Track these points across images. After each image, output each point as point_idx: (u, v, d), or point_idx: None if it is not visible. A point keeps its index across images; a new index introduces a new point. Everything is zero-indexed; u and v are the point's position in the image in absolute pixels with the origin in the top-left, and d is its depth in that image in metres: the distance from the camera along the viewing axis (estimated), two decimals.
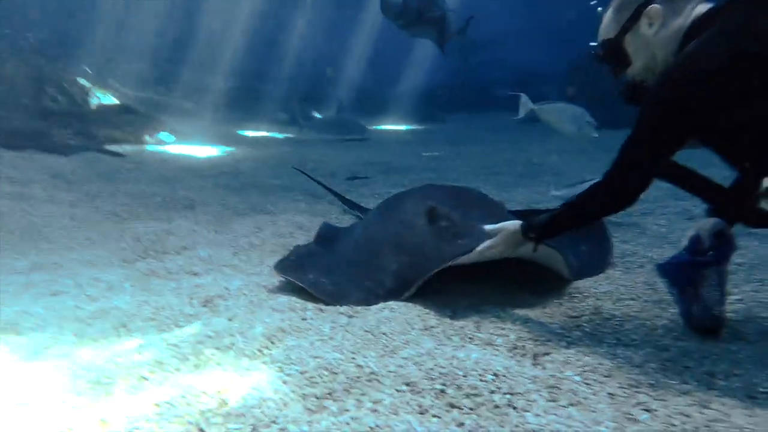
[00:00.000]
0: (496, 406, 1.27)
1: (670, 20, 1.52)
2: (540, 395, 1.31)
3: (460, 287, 2.16)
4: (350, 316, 1.97)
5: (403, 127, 14.58)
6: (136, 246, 2.93)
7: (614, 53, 1.63)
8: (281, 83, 16.15)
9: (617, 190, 1.57)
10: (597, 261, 2.36)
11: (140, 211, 3.93)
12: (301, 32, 18.94)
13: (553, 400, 1.30)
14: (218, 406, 1.29)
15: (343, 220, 3.73)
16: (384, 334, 1.78)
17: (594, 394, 1.33)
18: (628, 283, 2.17)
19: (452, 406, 1.29)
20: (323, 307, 2.06)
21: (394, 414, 1.26)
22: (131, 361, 1.55)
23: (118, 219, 3.65)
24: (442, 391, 1.36)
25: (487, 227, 1.87)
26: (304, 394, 1.36)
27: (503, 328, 1.74)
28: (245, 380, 1.42)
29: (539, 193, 4.72)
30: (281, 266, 2.23)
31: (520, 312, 1.88)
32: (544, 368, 1.50)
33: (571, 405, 1.27)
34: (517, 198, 4.48)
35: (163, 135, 8.43)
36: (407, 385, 1.40)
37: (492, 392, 1.32)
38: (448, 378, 1.40)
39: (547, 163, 6.52)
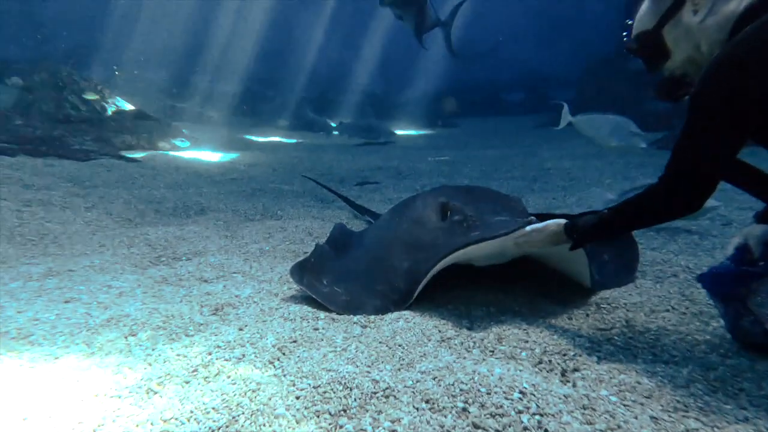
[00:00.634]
0: (525, 429, 1.17)
1: (719, 5, 1.39)
2: (573, 417, 1.21)
3: (476, 296, 2.07)
4: (364, 326, 1.90)
5: (413, 132, 14.54)
6: (149, 252, 2.91)
7: (652, 46, 1.50)
8: (292, 90, 16.30)
9: (680, 195, 1.39)
10: (623, 272, 2.22)
11: (153, 216, 3.94)
12: (314, 40, 19.12)
13: (589, 423, 1.20)
14: (228, 423, 1.23)
15: (354, 225, 3.67)
16: (400, 345, 1.70)
17: (635, 418, 1.22)
18: (661, 294, 2.03)
19: (476, 426, 1.20)
20: (335, 316, 1.99)
21: None
22: (140, 373, 1.50)
23: (131, 225, 3.65)
24: (465, 409, 1.27)
25: (529, 227, 1.75)
26: (317, 411, 1.29)
27: (526, 341, 1.63)
28: (256, 395, 1.36)
29: (555, 198, 4.60)
30: (296, 274, 2.16)
31: (544, 323, 1.76)
32: (575, 386, 1.40)
33: (610, 429, 1.17)
34: (531, 203, 4.36)
35: (178, 141, 8.53)
36: (426, 402, 1.31)
37: (519, 412, 1.23)
38: (470, 395, 1.31)
39: (561, 168, 6.37)
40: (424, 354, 1.63)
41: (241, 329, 1.86)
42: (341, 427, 1.23)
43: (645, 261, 2.42)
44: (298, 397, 1.35)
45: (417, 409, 1.29)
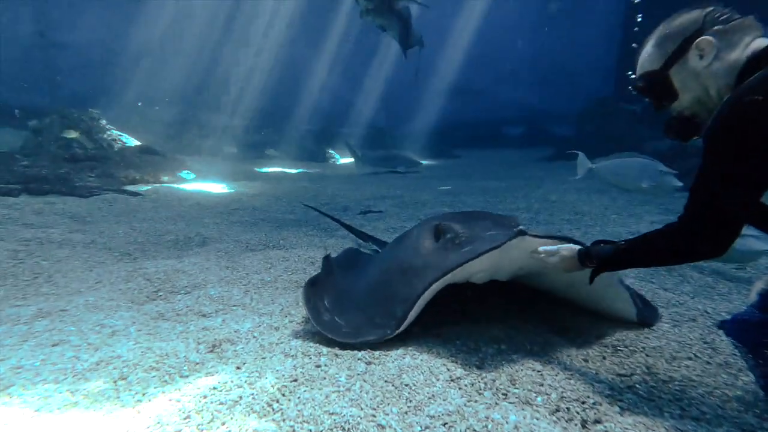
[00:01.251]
0: None
1: (724, 53, 1.40)
2: None
3: (486, 331, 1.97)
4: (368, 363, 1.80)
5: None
6: (146, 286, 2.84)
7: (659, 86, 1.50)
8: (297, 122, 16.72)
9: (703, 238, 1.33)
10: (649, 306, 2.15)
11: (153, 250, 3.89)
12: (318, 75, 19.82)
13: None
14: None
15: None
16: (406, 385, 1.60)
17: None
18: (680, 339, 1.92)
19: None
20: (339, 351, 1.89)
21: None
22: (129, 424, 1.40)
23: (129, 259, 3.59)
24: None
25: (542, 248, 1.69)
26: None
27: (541, 384, 1.52)
28: None
29: (560, 231, 4.53)
30: (306, 294, 2.10)
31: (559, 364, 1.66)
32: None
33: None
34: None
35: (183, 174, 8.63)
36: None
37: None
38: None
39: (566, 201, 6.34)
40: (433, 395, 1.53)
41: (238, 368, 1.76)
42: None
43: (659, 302, 2.31)
44: None
45: None
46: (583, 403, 1.41)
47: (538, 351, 1.78)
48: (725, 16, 1.42)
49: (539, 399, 1.44)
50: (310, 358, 1.83)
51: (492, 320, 2.08)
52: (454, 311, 2.13)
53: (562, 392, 1.47)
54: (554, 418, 1.37)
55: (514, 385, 1.54)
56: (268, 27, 18.21)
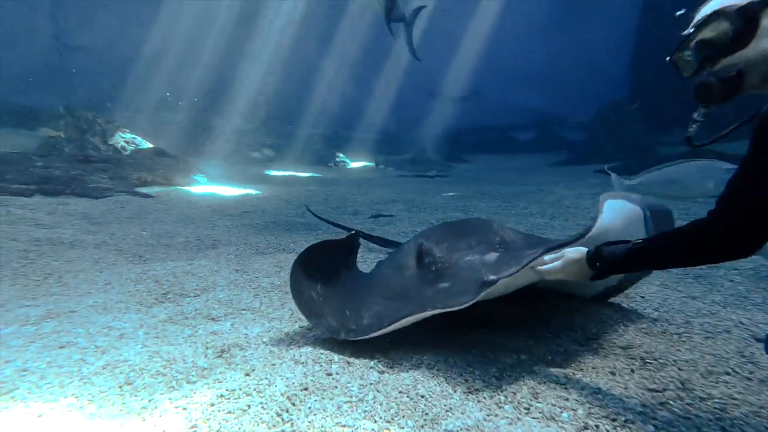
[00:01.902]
0: None
1: None
2: None
3: (502, 338, 1.88)
4: (381, 372, 1.73)
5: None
6: (155, 288, 2.81)
7: (743, 25, 1.22)
8: (307, 126, 16.80)
9: (735, 233, 1.20)
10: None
11: (163, 252, 3.87)
12: (329, 79, 19.93)
13: None
14: None
15: (368, 258, 3.54)
16: (422, 397, 1.52)
17: None
18: (715, 352, 1.80)
19: None
20: (351, 359, 1.83)
21: None
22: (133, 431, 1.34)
23: (139, 261, 3.58)
24: None
25: (545, 267, 1.61)
26: None
27: (566, 398, 1.43)
28: None
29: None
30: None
31: (584, 377, 1.55)
32: None
33: None
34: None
35: (194, 176, 8.69)
36: None
37: None
38: None
39: (581, 206, 6.20)
40: (450, 408, 1.45)
41: (247, 374, 1.70)
42: None
43: (689, 312, 2.19)
44: None
45: None
46: (614, 420, 1.31)
47: (560, 362, 1.68)
48: None
49: (565, 415, 1.35)
50: (321, 365, 1.77)
51: (508, 327, 2.00)
52: (468, 318, 2.05)
53: (590, 408, 1.37)
54: None
55: (536, 398, 1.46)
56: (280, 31, 18.37)
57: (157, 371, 1.69)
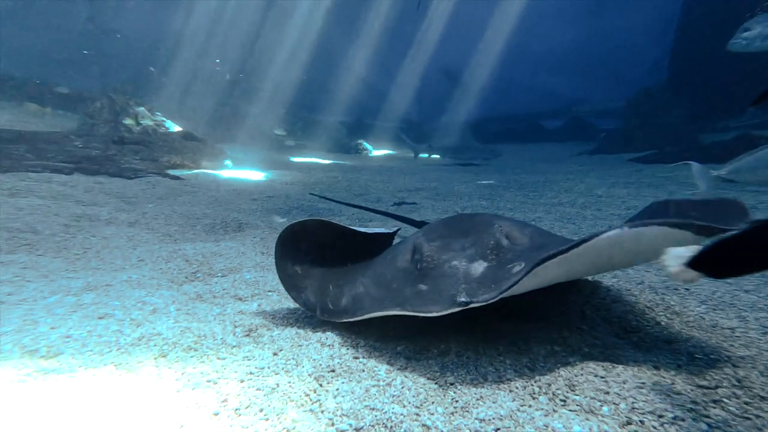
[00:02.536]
0: None
1: None
2: None
3: (533, 327, 1.82)
4: (408, 358, 1.71)
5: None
6: (185, 267, 2.87)
7: None
8: (330, 114, 16.81)
9: None
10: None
11: (191, 232, 3.96)
12: (352, 67, 19.79)
13: None
14: None
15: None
16: (451, 384, 1.49)
17: None
18: None
19: None
20: (376, 343, 1.81)
21: None
22: (168, 402, 1.37)
23: (170, 240, 3.67)
24: None
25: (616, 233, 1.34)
26: None
27: (606, 392, 1.35)
28: None
29: (611, 228, 4.23)
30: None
31: (625, 371, 1.47)
32: None
33: None
34: (586, 231, 4.04)
35: (221, 161, 8.86)
36: None
37: None
38: None
39: (614, 195, 5.94)
40: (481, 397, 1.41)
41: (275, 354, 1.71)
42: None
43: (742, 306, 2.05)
44: None
45: None
46: (661, 416, 1.24)
47: (597, 355, 1.61)
48: None
49: (605, 409, 1.28)
50: (347, 348, 1.76)
51: (539, 318, 1.93)
52: (494, 306, 1.98)
53: (633, 402, 1.29)
54: (626, 431, 1.21)
55: (573, 391, 1.39)
56: (305, 16, 18.28)
57: (189, 346, 1.72)
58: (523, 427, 1.21)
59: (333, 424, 1.26)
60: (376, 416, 1.30)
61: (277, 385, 1.47)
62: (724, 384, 1.40)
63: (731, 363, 1.54)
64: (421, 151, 13.54)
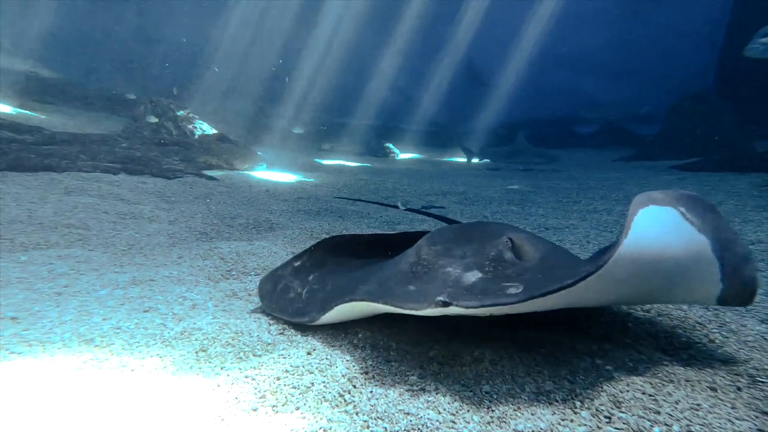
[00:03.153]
0: None
1: None
2: None
3: (571, 341, 1.75)
4: (441, 363, 1.68)
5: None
6: (221, 265, 2.96)
7: None
8: (360, 118, 16.98)
9: None
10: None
11: (226, 231, 4.08)
12: (381, 70, 19.93)
13: None
14: None
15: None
16: (487, 393, 1.46)
17: None
18: None
19: None
20: (407, 347, 1.80)
21: None
22: (208, 395, 1.41)
23: (206, 238, 3.80)
24: None
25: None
26: None
27: (657, 412, 1.28)
28: None
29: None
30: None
31: (676, 390, 1.39)
32: None
33: None
34: None
35: (254, 162, 9.12)
36: None
37: None
38: None
39: None
40: (519, 408, 1.37)
41: (309, 353, 1.73)
42: None
43: None
44: None
45: None
46: None
47: (643, 371, 1.53)
48: None
49: (656, 430, 1.21)
50: (380, 351, 1.76)
51: (578, 329, 1.86)
52: (530, 315, 1.93)
53: (689, 425, 1.21)
54: None
55: (618, 408, 1.33)
56: (337, 21, 18.60)
57: (227, 342, 1.77)
58: None
59: (368, 427, 1.26)
60: (410, 421, 1.29)
61: (312, 384, 1.49)
62: None
63: None
64: (473, 156, 13.40)
